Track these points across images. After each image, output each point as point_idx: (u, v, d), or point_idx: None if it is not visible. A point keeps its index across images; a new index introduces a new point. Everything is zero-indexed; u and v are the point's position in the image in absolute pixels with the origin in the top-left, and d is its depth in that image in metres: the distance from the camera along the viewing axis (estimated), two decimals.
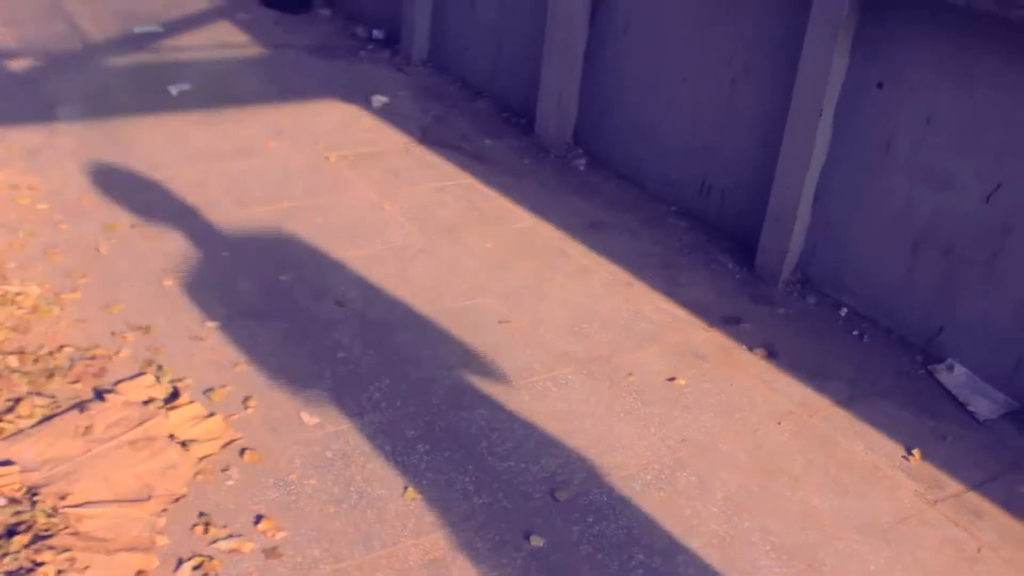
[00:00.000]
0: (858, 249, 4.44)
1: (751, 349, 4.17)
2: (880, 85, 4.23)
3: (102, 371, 3.66)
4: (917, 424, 3.80)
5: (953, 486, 3.48)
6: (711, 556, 3.09)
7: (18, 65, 6.68)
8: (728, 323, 4.35)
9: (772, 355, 4.14)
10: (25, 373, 3.59)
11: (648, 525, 3.19)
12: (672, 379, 3.93)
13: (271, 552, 2.94)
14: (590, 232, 5.06)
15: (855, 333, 4.35)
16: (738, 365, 4.07)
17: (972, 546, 3.22)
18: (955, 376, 4.02)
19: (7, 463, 3.14)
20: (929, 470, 3.55)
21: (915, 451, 3.63)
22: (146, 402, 3.51)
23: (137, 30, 7.60)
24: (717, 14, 4.98)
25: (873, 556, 3.15)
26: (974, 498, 3.44)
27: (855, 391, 3.96)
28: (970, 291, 4.03)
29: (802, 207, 4.53)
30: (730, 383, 3.95)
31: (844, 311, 4.48)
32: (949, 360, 4.09)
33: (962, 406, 3.89)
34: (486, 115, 6.55)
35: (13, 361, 3.64)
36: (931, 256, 4.16)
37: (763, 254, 4.71)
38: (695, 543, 3.14)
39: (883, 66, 4.20)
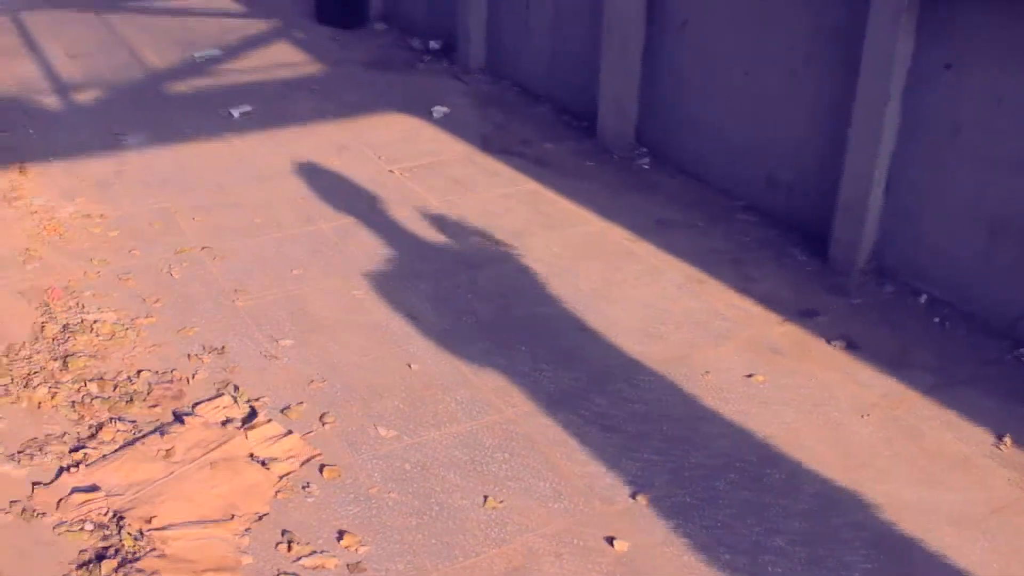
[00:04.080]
0: (933, 235, 4.34)
1: (829, 342, 4.10)
2: (948, 66, 4.13)
3: (180, 394, 3.69)
4: (1006, 410, 3.69)
5: None
6: (798, 553, 3.03)
7: (84, 97, 6.80)
8: (804, 316, 4.28)
9: (851, 347, 4.06)
10: (105, 399, 3.64)
11: (733, 524, 3.14)
12: (750, 376, 3.87)
13: (355, 567, 2.94)
14: (658, 231, 5.01)
15: (936, 320, 4.25)
16: (817, 359, 3.99)
17: None
18: None
19: (93, 488, 3.18)
20: (1022, 457, 3.45)
21: (1006, 438, 3.53)
22: (224, 423, 3.53)
23: (197, 56, 7.70)
24: (775, 4, 4.91)
25: (968, 548, 3.06)
26: None
27: (939, 379, 3.87)
28: None
29: (873, 195, 4.44)
30: (810, 377, 3.87)
31: (924, 298, 4.37)
32: None
33: None
34: (546, 119, 6.52)
35: (94, 388, 3.69)
36: (1009, 239, 4.04)
37: (836, 245, 4.62)
38: (781, 541, 3.08)
39: (950, 47, 4.10)
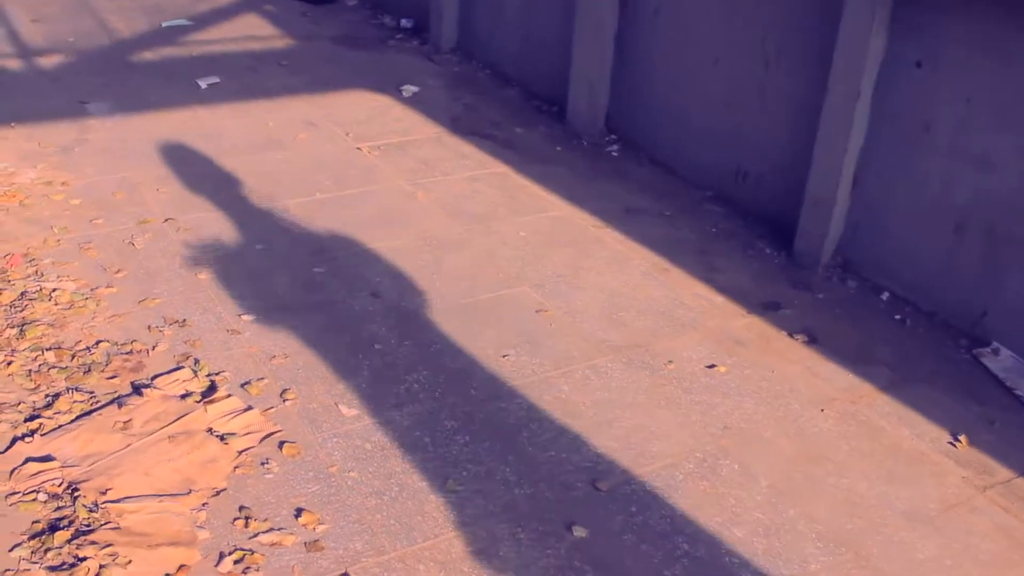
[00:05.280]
0: (899, 232, 4.37)
1: (792, 335, 4.12)
2: (919, 64, 4.15)
3: (139, 366, 3.65)
4: (963, 409, 3.73)
5: (1002, 472, 3.42)
6: (756, 545, 3.05)
7: (48, 62, 6.69)
8: (768, 309, 4.30)
9: (813, 341, 4.09)
10: (63, 369, 3.59)
11: (691, 514, 3.15)
12: (712, 366, 3.88)
13: (313, 545, 2.92)
14: (625, 219, 5.01)
15: (897, 317, 4.29)
16: (779, 351, 4.01)
17: (1023, 533, 3.16)
18: (1001, 360, 3.95)
19: (47, 459, 3.14)
20: (977, 456, 3.49)
21: (962, 437, 3.57)
22: (184, 396, 3.50)
23: (165, 24, 7.60)
24: None
25: (922, 543, 3.09)
26: None
27: (899, 376, 3.90)
28: (1014, 273, 3.96)
29: (841, 190, 4.46)
30: (771, 370, 3.89)
31: (886, 295, 4.41)
32: (994, 344, 4.02)
33: (1009, 390, 3.82)
34: (517, 103, 6.50)
35: (51, 357, 3.64)
36: (974, 238, 4.08)
37: (802, 238, 4.64)
38: (739, 532, 3.09)
39: (921, 44, 4.12)
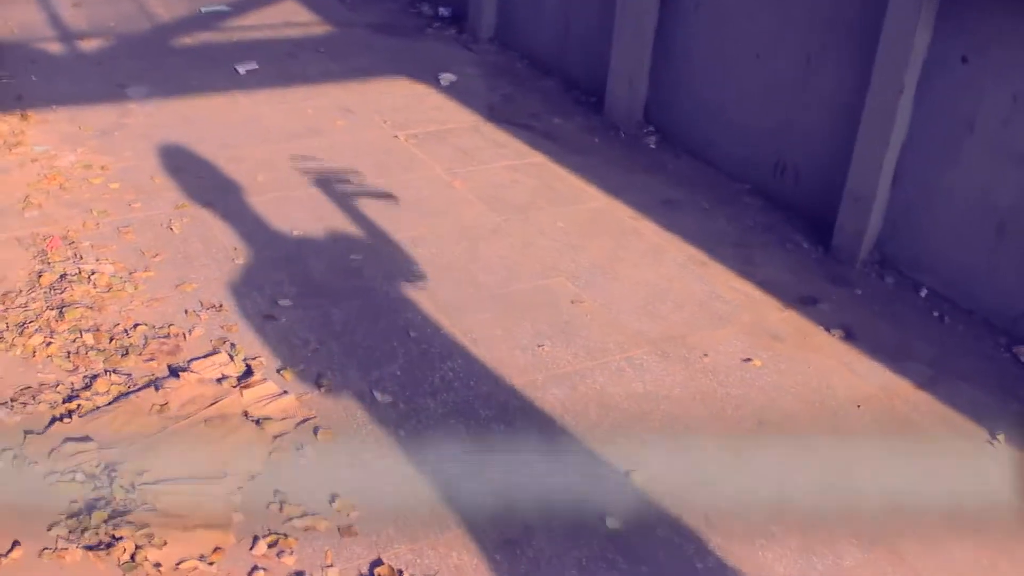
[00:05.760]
0: (939, 229, 4.32)
1: (828, 330, 4.09)
2: (964, 60, 4.10)
3: (176, 349, 3.68)
4: (1002, 408, 3.69)
5: None
6: (791, 541, 3.03)
7: (89, 46, 6.74)
8: (804, 303, 4.27)
9: (850, 336, 4.05)
10: (101, 351, 3.62)
11: (726, 508, 3.13)
12: (748, 360, 3.86)
13: (346, 530, 2.93)
14: (663, 211, 4.98)
15: (936, 314, 4.24)
16: (815, 346, 3.98)
17: None
18: None
19: (85, 439, 3.17)
20: (1016, 455, 3.45)
21: (1000, 435, 3.53)
22: (220, 380, 3.51)
23: (204, 10, 7.64)
24: None
25: (959, 544, 3.06)
26: None
27: (937, 373, 3.86)
28: None
29: (881, 186, 4.42)
30: (807, 365, 3.86)
31: (924, 292, 4.36)
32: None
33: None
34: (555, 93, 6.48)
35: (89, 339, 3.67)
36: (1016, 237, 4.03)
37: (840, 234, 4.60)
38: (774, 527, 3.07)
39: (968, 40, 4.07)
